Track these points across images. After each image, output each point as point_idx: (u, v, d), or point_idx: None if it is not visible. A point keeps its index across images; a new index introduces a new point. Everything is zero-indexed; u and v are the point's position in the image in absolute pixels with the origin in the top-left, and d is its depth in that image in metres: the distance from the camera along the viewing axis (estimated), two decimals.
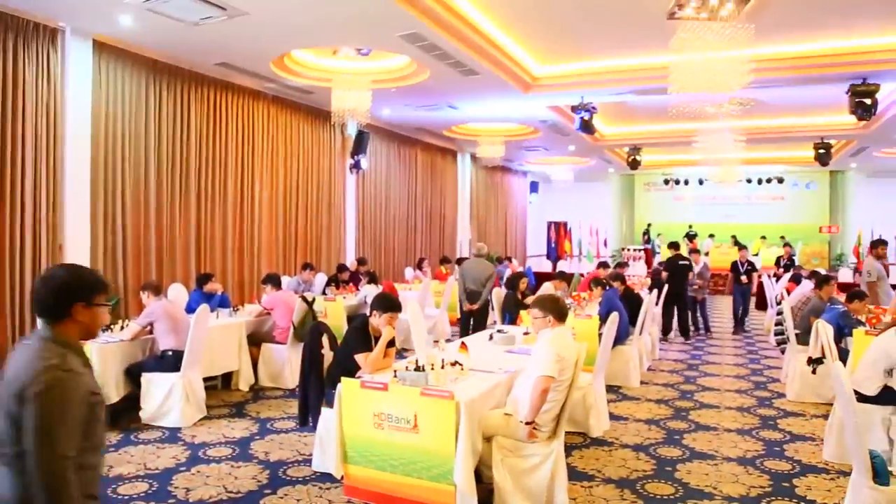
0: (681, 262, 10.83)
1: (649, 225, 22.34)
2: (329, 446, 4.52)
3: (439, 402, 3.97)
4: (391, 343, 4.91)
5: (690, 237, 21.37)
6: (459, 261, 14.05)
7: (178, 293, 8.14)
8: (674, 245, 11.42)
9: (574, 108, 11.14)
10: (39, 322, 2.22)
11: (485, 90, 10.44)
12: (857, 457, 3.61)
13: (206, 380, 6.46)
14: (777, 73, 9.39)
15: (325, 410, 4.71)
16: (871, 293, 8.16)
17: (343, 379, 4.33)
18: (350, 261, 12.21)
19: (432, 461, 4.00)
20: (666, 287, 10.27)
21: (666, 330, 10.77)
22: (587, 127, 11.10)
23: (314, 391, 4.97)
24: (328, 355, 5.08)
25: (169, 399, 5.86)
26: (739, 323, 11.99)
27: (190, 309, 6.85)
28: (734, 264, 12.01)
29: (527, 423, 4.01)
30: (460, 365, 4.64)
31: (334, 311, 8.11)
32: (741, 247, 12.93)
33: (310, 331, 5.30)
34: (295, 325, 7.28)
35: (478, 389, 4.28)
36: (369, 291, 8.98)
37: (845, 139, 15.59)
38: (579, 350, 4.27)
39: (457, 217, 17.57)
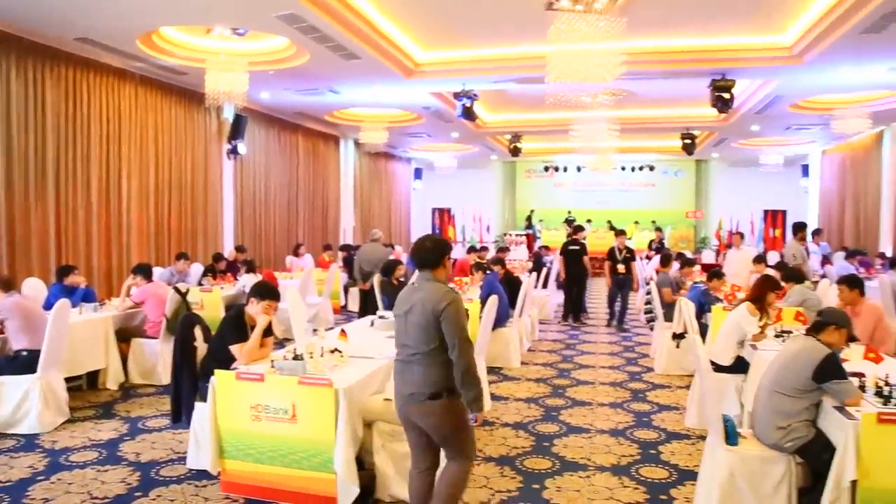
0: (571, 248, 11.12)
1: (532, 211, 23.01)
2: (204, 442, 4.34)
3: (318, 390, 3.91)
4: (269, 332, 4.77)
5: (569, 222, 22.23)
6: (344, 248, 13.90)
7: (35, 288, 7.52)
8: (579, 228, 11.60)
9: (456, 95, 11.25)
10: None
11: (367, 75, 10.31)
12: (713, 422, 3.89)
13: (68, 380, 6.02)
14: (647, 66, 9.89)
15: (198, 405, 4.51)
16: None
17: (216, 371, 4.17)
18: (228, 250, 11.76)
19: (312, 450, 3.94)
20: (559, 271, 10.53)
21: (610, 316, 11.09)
22: (469, 114, 11.24)
23: (187, 385, 4.74)
24: (202, 348, 4.87)
25: (24, 403, 5.40)
26: (615, 317, 10.89)
27: (49, 305, 6.33)
28: (611, 251, 10.89)
29: None
30: (339, 352, 4.58)
31: (211, 302, 7.79)
32: (618, 232, 11.44)
33: (181, 322, 5.04)
34: (168, 318, 6.93)
35: (357, 376, 4.24)
36: (248, 281, 8.70)
37: (708, 130, 16.69)
38: None
39: (340, 204, 17.31)
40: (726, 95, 10.10)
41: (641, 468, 4.74)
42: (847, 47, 8.54)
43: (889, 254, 12.76)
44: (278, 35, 8.50)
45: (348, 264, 12.51)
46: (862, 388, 3.85)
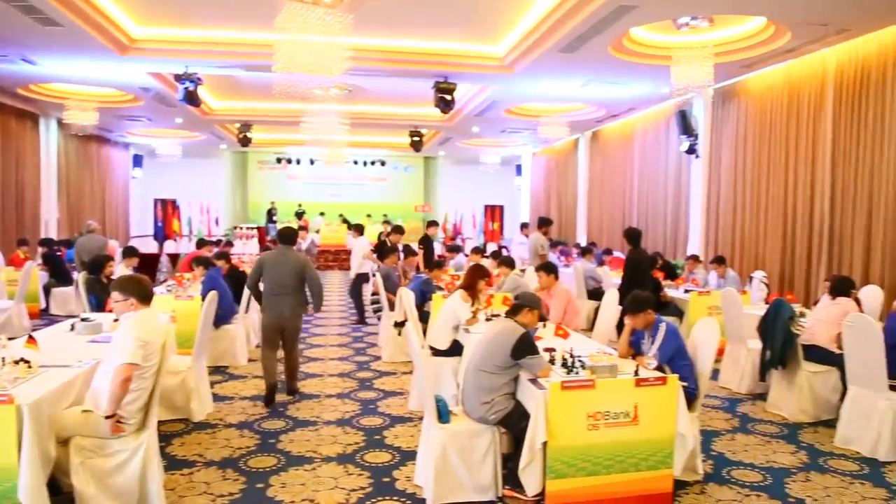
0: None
1: (273, 203, 22.40)
2: None
3: None
4: None
5: (299, 215, 22.12)
6: (45, 243, 12.13)
7: None
8: (398, 228, 11.03)
9: (178, 78, 10.49)
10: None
11: (71, 46, 9.13)
12: (427, 403, 4.13)
13: None
14: (374, 63, 10.17)
15: None
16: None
17: None
18: None
19: None
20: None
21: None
22: (192, 98, 10.55)
23: None
24: None
25: None
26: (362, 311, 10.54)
27: None
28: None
29: (108, 418, 3.63)
30: (27, 362, 3.98)
31: None
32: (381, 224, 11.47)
33: None
34: None
35: (47, 387, 3.72)
36: None
37: (434, 129, 17.74)
38: (167, 332, 4.00)
39: (40, 192, 15.07)
40: (448, 97, 10.81)
41: (366, 454, 4.87)
42: (548, 63, 9.67)
43: (584, 244, 14.74)
44: None
45: (50, 262, 10.99)
46: (552, 361, 4.38)
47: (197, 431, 5.30)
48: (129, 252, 8.62)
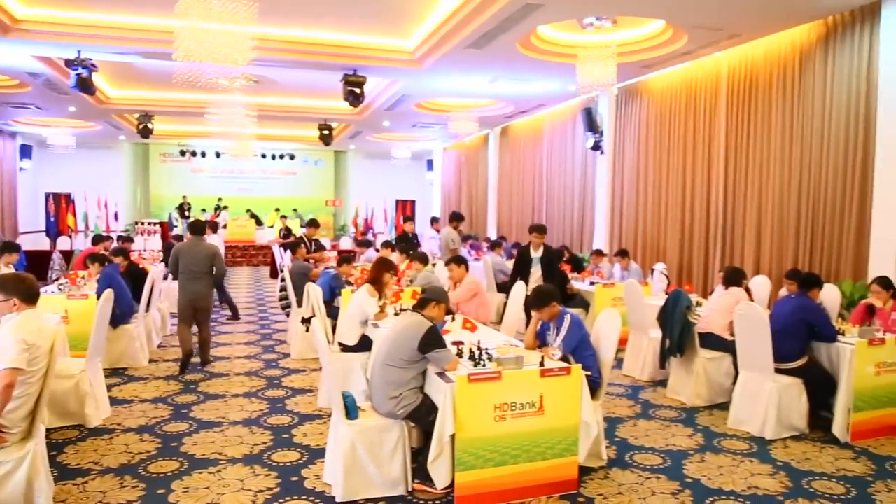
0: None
1: (185, 197, 21.49)
2: None
3: None
4: None
5: (219, 209, 21.43)
6: None
7: None
8: (313, 222, 10.40)
9: (69, 63, 9.87)
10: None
11: None
12: (335, 399, 4.08)
13: None
14: (282, 54, 9.93)
15: None
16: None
17: None
18: None
19: None
20: None
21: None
22: (85, 86, 9.95)
23: None
24: None
25: None
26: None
27: None
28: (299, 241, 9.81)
29: None
30: None
31: None
32: (308, 225, 10.34)
33: None
34: None
35: None
36: None
37: (344, 123, 17.51)
38: (55, 334, 3.76)
39: None
40: (358, 91, 10.68)
41: (274, 454, 4.75)
42: (456, 58, 9.72)
43: (494, 238, 14.95)
44: None
45: None
46: (459, 354, 4.41)
47: (92, 438, 5.03)
48: (8, 248, 7.94)
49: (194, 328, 7.06)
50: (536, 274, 7.80)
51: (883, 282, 5.83)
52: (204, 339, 7.21)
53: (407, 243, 10.32)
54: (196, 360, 7.17)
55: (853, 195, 7.37)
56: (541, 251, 7.87)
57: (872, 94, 7.15)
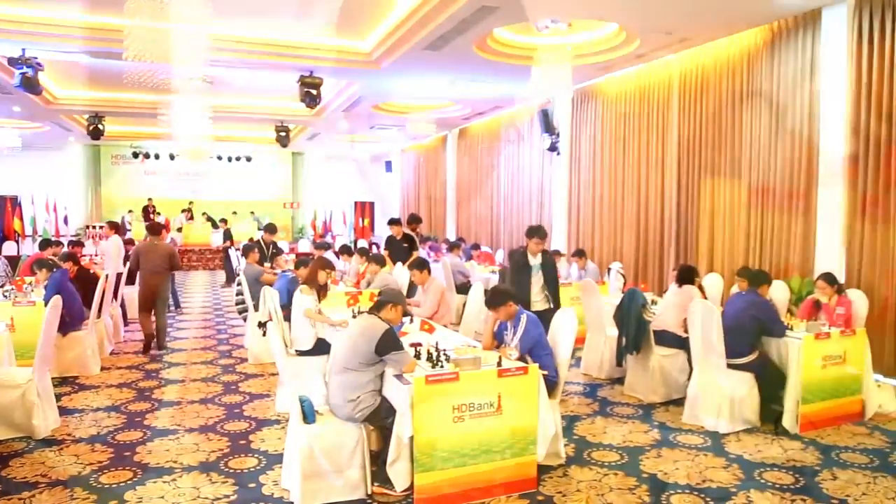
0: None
1: (150, 199, 20.98)
2: None
3: None
4: None
5: (184, 211, 21.04)
6: None
7: None
8: (270, 227, 10.18)
9: (13, 62, 9.55)
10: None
11: None
12: (292, 404, 4.04)
13: None
14: (237, 54, 9.77)
15: None
16: None
17: None
18: None
19: None
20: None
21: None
22: (31, 85, 9.64)
23: None
24: None
25: None
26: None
27: None
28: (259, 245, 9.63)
29: None
30: None
31: None
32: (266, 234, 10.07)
33: None
34: None
35: None
36: None
37: (301, 124, 17.34)
38: (0, 343, 3.65)
39: None
40: (314, 92, 10.60)
41: (231, 461, 4.68)
42: (413, 60, 9.72)
43: (452, 239, 14.99)
44: None
45: None
46: (417, 355, 4.41)
47: (40, 449, 4.87)
48: None
49: (153, 317, 8.13)
50: (539, 283, 6.50)
51: (828, 278, 6.03)
52: (161, 325, 8.23)
53: (393, 248, 9.75)
54: (155, 351, 8.12)
55: (800, 194, 7.60)
56: (540, 257, 6.55)
57: (815, 97, 7.39)
